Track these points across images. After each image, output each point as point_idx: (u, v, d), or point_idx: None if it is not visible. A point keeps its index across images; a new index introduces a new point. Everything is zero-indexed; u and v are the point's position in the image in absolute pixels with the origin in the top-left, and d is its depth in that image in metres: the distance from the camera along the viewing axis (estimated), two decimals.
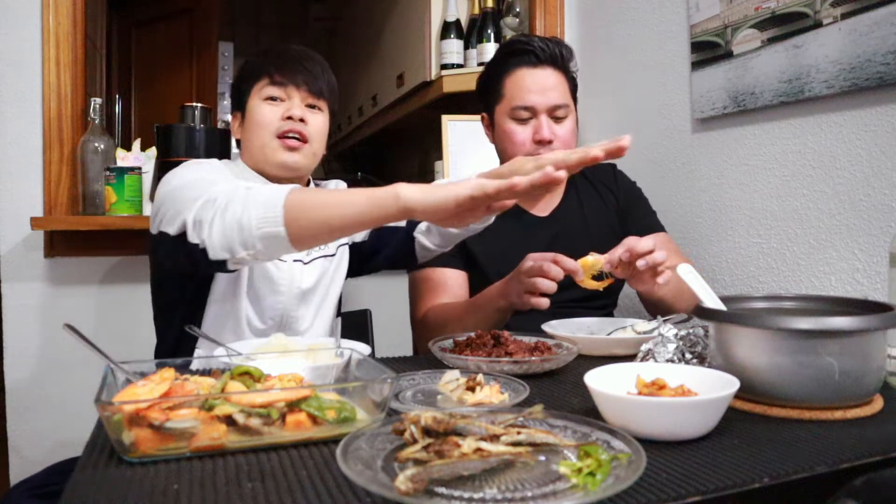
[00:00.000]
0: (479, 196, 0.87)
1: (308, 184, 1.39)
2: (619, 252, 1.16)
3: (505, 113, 1.45)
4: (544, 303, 1.19)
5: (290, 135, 1.25)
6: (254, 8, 4.83)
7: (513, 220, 1.51)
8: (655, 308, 1.39)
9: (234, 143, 1.81)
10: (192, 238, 0.98)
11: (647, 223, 1.55)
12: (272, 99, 1.27)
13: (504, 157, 1.49)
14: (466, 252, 1.49)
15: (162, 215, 1.06)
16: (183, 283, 1.24)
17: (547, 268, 1.18)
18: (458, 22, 2.34)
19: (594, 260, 1.19)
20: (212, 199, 0.99)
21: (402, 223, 1.30)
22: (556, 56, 1.44)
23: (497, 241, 1.48)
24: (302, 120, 1.26)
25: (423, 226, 1.29)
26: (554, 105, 1.42)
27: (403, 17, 2.79)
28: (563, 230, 1.51)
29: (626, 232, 1.54)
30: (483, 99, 1.53)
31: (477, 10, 2.34)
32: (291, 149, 1.26)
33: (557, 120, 1.44)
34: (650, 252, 1.15)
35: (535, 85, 1.42)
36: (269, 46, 1.38)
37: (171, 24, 3.68)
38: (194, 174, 1.11)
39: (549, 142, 1.42)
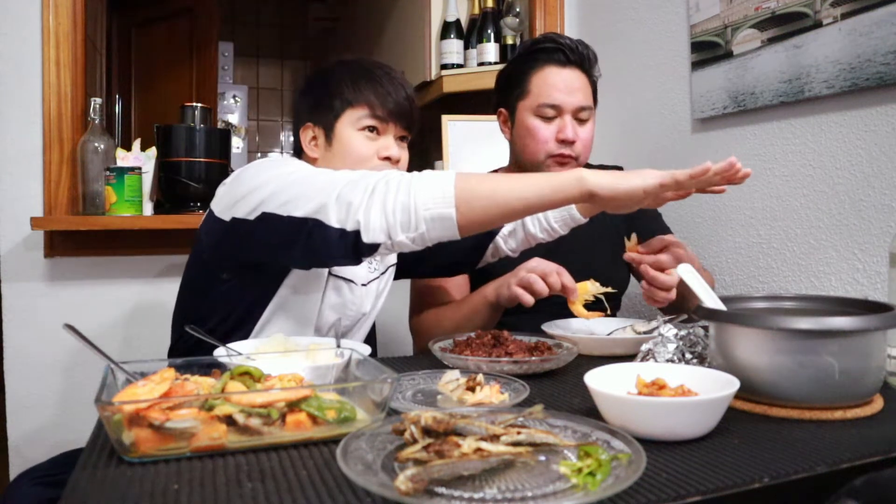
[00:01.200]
0: (668, 184, 0.91)
1: None
2: (648, 259, 1.18)
3: (529, 109, 1.44)
4: (529, 299, 1.21)
5: None
6: (254, 8, 4.82)
7: None
8: (672, 307, 1.40)
9: (234, 144, 1.81)
10: (332, 221, 0.95)
11: (654, 226, 1.55)
12: (369, 129, 1.24)
13: (523, 153, 1.47)
14: None
15: (262, 199, 1.02)
16: (249, 284, 1.17)
17: (550, 272, 1.19)
18: (458, 22, 2.34)
19: (593, 288, 1.22)
20: (358, 180, 0.96)
21: None
22: (584, 58, 1.44)
23: None
24: (398, 161, 1.25)
25: (506, 230, 1.28)
26: (580, 106, 1.42)
27: (403, 17, 2.79)
28: (568, 233, 1.50)
29: (631, 233, 1.54)
30: (503, 94, 1.52)
31: (477, 10, 2.34)
32: None
33: (581, 122, 1.44)
34: (667, 289, 1.18)
35: (562, 84, 1.42)
36: (359, 61, 1.29)
37: (171, 24, 3.67)
38: (305, 167, 1.07)
39: (573, 142, 1.41)
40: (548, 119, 1.43)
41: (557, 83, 1.42)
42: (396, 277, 1.41)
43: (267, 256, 1.11)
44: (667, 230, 1.56)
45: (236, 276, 1.17)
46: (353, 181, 0.96)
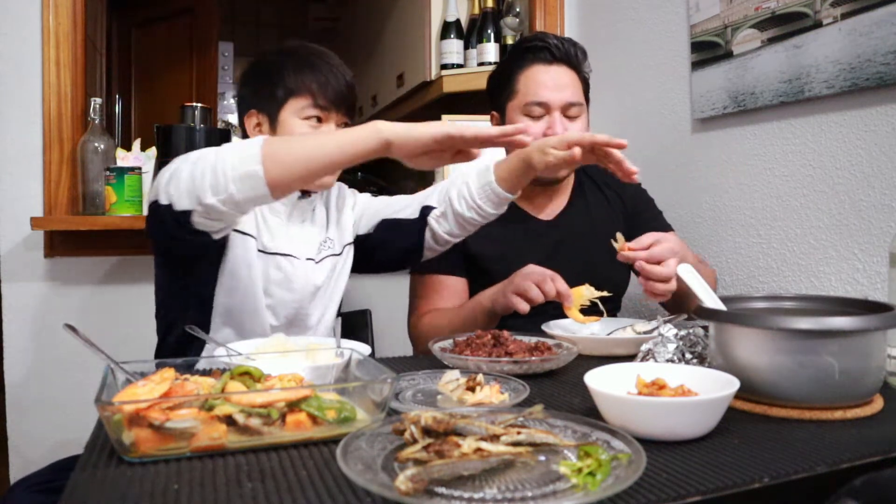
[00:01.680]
0: (456, 135, 0.97)
1: None
2: (639, 255, 1.18)
3: (518, 108, 1.44)
4: (525, 307, 1.21)
5: None
6: (254, 8, 4.82)
7: (518, 225, 1.50)
8: (674, 306, 1.40)
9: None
10: (162, 199, 1.01)
11: (656, 226, 1.54)
12: (312, 118, 1.25)
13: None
14: (469, 257, 1.48)
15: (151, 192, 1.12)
16: (185, 274, 1.23)
17: (544, 280, 1.19)
18: (458, 22, 2.34)
19: (588, 293, 1.21)
20: (186, 157, 1.03)
21: (416, 213, 1.29)
22: (571, 55, 1.44)
23: (502, 245, 1.47)
24: None
25: (437, 211, 1.28)
26: (568, 102, 1.42)
27: (403, 17, 2.79)
28: (568, 234, 1.50)
29: (632, 234, 1.54)
30: (494, 96, 1.52)
31: (477, 10, 2.34)
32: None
33: (570, 118, 1.43)
34: (666, 280, 1.16)
35: (549, 81, 1.42)
36: (299, 49, 1.30)
37: (171, 24, 3.68)
38: (197, 153, 1.12)
39: None
40: (536, 117, 1.43)
41: (545, 81, 1.42)
42: (356, 271, 1.41)
43: (161, 245, 1.19)
44: (667, 228, 1.55)
45: (178, 269, 1.23)
46: (185, 157, 1.02)
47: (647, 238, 1.19)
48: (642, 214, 1.55)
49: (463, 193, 1.24)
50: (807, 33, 1.36)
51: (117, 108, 3.46)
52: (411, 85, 2.64)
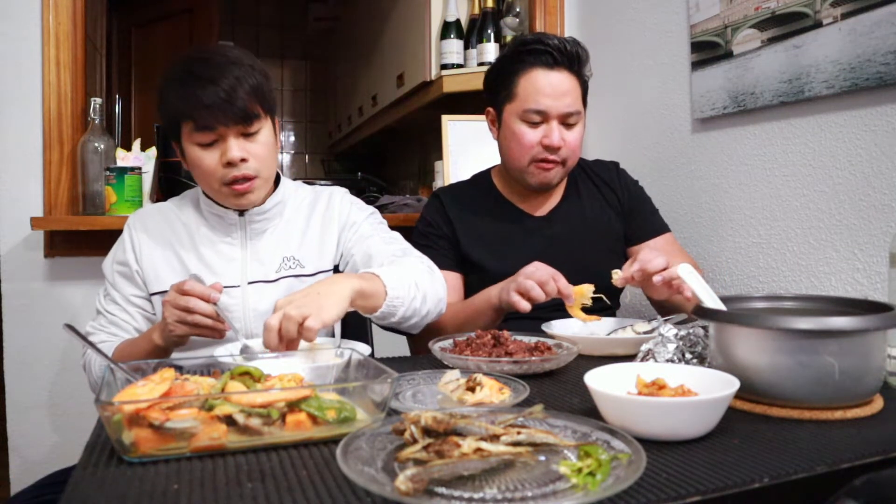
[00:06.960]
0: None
1: (277, 181, 1.32)
2: (632, 271, 1.19)
3: (515, 113, 1.42)
4: (525, 307, 1.21)
5: (238, 181, 1.18)
6: (254, 8, 4.82)
7: (511, 222, 1.50)
8: (664, 309, 1.39)
9: None
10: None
11: (653, 224, 1.54)
12: (205, 144, 1.17)
13: (508, 155, 1.47)
14: (463, 255, 1.48)
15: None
16: None
17: (546, 280, 1.19)
18: (458, 22, 2.34)
19: (588, 290, 1.22)
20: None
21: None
22: (573, 58, 1.41)
23: (497, 241, 1.48)
24: (244, 159, 1.17)
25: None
26: (567, 112, 1.40)
27: (403, 17, 2.79)
28: (562, 230, 1.50)
29: (630, 232, 1.54)
30: (491, 94, 1.50)
31: (477, 10, 2.34)
32: (242, 192, 1.20)
33: (568, 126, 1.42)
34: (664, 269, 1.17)
35: (549, 88, 1.39)
36: (183, 65, 1.18)
37: (171, 24, 3.68)
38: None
39: (558, 148, 1.40)
40: (534, 124, 1.41)
41: (545, 87, 1.39)
42: None
43: None
44: (664, 227, 1.55)
45: None
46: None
47: (634, 266, 1.20)
48: (637, 214, 1.55)
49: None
50: (807, 33, 1.36)
51: (117, 108, 3.46)
52: (411, 85, 2.64)
